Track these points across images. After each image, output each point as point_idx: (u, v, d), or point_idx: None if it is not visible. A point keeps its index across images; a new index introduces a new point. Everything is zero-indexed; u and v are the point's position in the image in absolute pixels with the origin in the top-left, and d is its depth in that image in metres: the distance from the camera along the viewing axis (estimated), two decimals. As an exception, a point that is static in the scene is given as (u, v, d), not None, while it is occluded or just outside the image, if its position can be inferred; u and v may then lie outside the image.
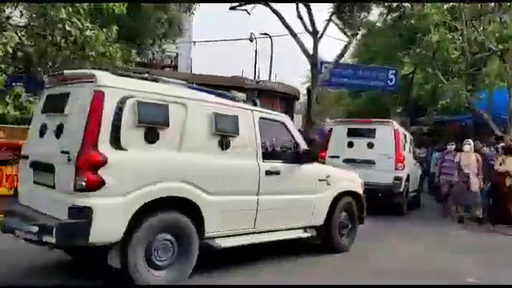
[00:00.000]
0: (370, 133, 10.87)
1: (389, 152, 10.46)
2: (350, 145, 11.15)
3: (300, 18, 18.35)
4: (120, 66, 12.13)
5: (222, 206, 5.37)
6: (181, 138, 5.10)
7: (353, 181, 7.50)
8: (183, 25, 21.09)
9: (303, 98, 27.16)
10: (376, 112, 28.49)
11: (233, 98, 6.03)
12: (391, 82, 23.45)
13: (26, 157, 5.35)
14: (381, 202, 10.07)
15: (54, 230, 4.28)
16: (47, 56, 9.83)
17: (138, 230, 4.67)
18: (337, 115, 42.96)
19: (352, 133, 11.23)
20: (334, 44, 37.62)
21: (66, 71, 5.26)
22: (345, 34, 19.64)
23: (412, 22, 15.69)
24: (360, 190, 7.46)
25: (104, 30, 10.31)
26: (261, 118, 6.07)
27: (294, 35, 18.46)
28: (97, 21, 10.53)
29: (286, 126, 6.57)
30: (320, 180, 6.71)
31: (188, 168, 5.12)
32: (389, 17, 22.08)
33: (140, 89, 4.93)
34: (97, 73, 4.85)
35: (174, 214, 5.00)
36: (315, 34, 18.48)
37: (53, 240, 4.33)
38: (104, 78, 4.75)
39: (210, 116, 5.40)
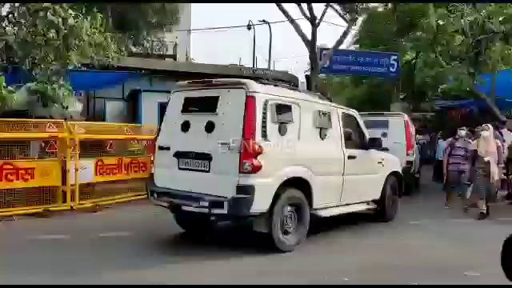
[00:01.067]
0: (384, 124, 11.83)
1: (401, 140, 11.57)
2: None
3: (298, 3, 17.97)
4: (112, 56, 11.80)
5: (322, 184, 6.71)
6: (298, 130, 6.52)
7: (396, 163, 9.13)
8: (178, 13, 20.65)
9: (303, 86, 26.75)
10: (378, 99, 28.11)
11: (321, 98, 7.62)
12: (393, 68, 22.98)
13: (166, 148, 6.55)
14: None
15: (226, 203, 5.66)
16: (29, 45, 9.48)
17: (277, 203, 6.02)
18: (340, 103, 42.62)
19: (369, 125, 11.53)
20: (335, 32, 37.01)
21: (215, 79, 6.57)
22: (344, 19, 19.23)
23: (412, 4, 15.19)
24: (400, 170, 9.14)
25: (88, 18, 9.94)
26: (342, 113, 7.67)
27: (291, 21, 18.07)
28: (82, 10, 10.15)
29: (356, 119, 8.18)
30: (378, 162, 8.36)
31: (304, 154, 6.49)
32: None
33: (274, 93, 6.31)
34: (246, 81, 6.12)
35: (295, 190, 6.35)
36: (313, 20, 18.10)
37: (224, 211, 5.73)
38: (252, 84, 6.04)
39: (314, 113, 6.92)
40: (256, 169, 5.71)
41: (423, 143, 17.81)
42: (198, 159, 6.13)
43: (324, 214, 6.97)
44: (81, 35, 9.62)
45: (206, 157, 6.01)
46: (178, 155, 6.40)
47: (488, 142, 9.41)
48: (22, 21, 9.62)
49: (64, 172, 8.56)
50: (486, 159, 9.25)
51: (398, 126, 11.71)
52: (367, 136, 8.17)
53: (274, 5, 17.80)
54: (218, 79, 6.61)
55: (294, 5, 17.95)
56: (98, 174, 9.44)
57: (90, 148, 9.37)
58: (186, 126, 6.45)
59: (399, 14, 20.64)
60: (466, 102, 18.89)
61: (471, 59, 13.86)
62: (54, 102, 9.98)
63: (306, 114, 6.71)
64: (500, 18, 12.77)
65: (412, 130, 12.43)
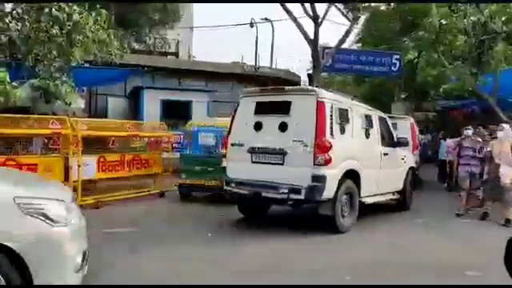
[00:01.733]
0: (393, 126, 12.29)
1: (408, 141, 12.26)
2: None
3: (301, 3, 17.96)
4: (115, 53, 11.80)
5: (367, 175, 7.97)
6: (352, 130, 7.82)
7: (412, 160, 10.64)
8: (180, 11, 20.63)
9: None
10: (380, 98, 28.05)
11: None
12: (395, 67, 22.91)
13: (239, 144, 7.74)
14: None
15: (303, 190, 6.96)
16: (33, 42, 9.48)
17: (339, 191, 7.26)
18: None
19: None
20: (338, 31, 36.93)
21: (287, 87, 8.15)
22: (346, 18, 19.21)
23: (414, 4, 15.15)
24: (415, 166, 10.67)
25: (93, 14, 9.94)
26: (378, 116, 9.07)
27: (294, 19, 18.05)
28: (86, 6, 10.15)
29: (386, 122, 9.57)
30: (401, 158, 9.80)
31: (356, 150, 7.82)
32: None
33: (336, 99, 7.71)
34: (317, 89, 7.66)
35: (349, 181, 7.55)
36: (316, 19, 18.09)
37: (301, 197, 7.01)
38: (322, 92, 7.54)
39: (361, 116, 8.30)
40: (327, 162, 6.99)
41: (424, 143, 17.83)
42: (273, 154, 7.37)
43: (368, 201, 8.28)
44: (85, 31, 9.61)
45: (281, 152, 7.26)
46: (252, 151, 7.60)
47: (502, 143, 9.09)
48: (26, 17, 9.61)
49: (67, 168, 8.59)
50: (496, 161, 9.00)
51: (405, 128, 12.89)
52: (395, 136, 9.63)
53: (277, 3, 17.81)
54: (290, 87, 8.36)
55: (297, 4, 17.96)
56: (100, 170, 9.47)
57: (93, 145, 9.39)
58: (258, 126, 7.69)
59: (402, 13, 20.55)
60: (468, 101, 18.87)
61: (474, 59, 13.84)
62: (56, 98, 9.99)
63: (357, 117, 8.08)
64: (503, 18, 12.74)
65: (417, 131, 13.51)
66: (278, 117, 7.47)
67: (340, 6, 18.86)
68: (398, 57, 22.76)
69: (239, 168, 7.73)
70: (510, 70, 14.48)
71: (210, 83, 18.81)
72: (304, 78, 24.37)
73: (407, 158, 10.26)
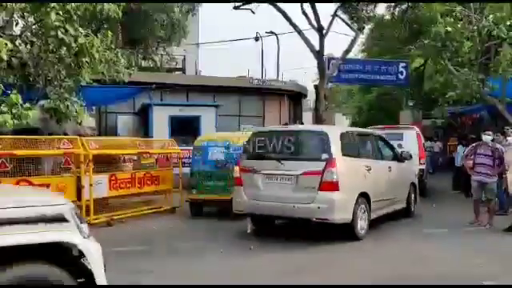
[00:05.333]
0: (399, 136, 13.27)
1: (414, 151, 12.54)
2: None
3: (305, 14, 18.11)
4: (122, 71, 11.93)
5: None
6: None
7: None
8: (186, 26, 20.84)
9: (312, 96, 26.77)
10: (388, 106, 28.05)
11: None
12: (402, 75, 22.94)
13: None
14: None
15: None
16: (42, 63, 9.63)
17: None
18: (349, 111, 42.54)
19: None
20: (342, 41, 37.09)
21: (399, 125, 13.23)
22: (351, 28, 19.32)
23: (419, 12, 15.17)
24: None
25: (98, 35, 10.07)
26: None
27: (298, 32, 18.20)
28: (92, 26, 10.30)
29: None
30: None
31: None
32: (396, 9, 21.68)
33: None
34: (412, 127, 13.14)
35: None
36: (321, 30, 18.21)
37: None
38: (414, 128, 13.07)
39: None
40: None
41: (435, 152, 17.63)
42: None
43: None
44: (92, 53, 9.74)
45: None
46: None
47: (509, 149, 8.82)
48: (35, 39, 9.76)
49: (79, 188, 8.67)
50: (506, 168, 8.76)
51: (411, 138, 13.30)
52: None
53: (282, 18, 17.97)
54: (401, 125, 12.52)
55: (301, 15, 18.10)
56: (111, 188, 9.54)
57: (104, 163, 9.47)
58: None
59: (407, 22, 20.63)
60: (476, 107, 18.75)
61: (481, 65, 13.79)
62: (67, 117, 10.10)
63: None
64: (508, 23, 12.68)
65: (422, 139, 14.11)
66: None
67: (345, 16, 19.01)
68: (404, 65, 22.81)
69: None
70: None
71: (217, 98, 18.92)
72: (310, 89, 24.41)
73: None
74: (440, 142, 22.24)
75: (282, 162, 7.70)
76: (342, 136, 8.03)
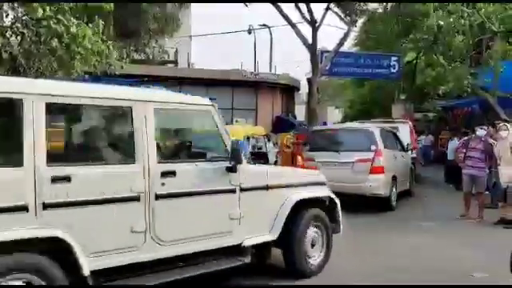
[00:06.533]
0: (395, 129, 14.02)
1: (408, 142, 13.80)
2: None
3: (298, 7, 18.04)
4: (114, 63, 11.83)
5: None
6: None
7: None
8: (179, 19, 20.73)
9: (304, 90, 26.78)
10: (380, 99, 28.11)
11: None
12: (394, 68, 22.99)
13: None
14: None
15: None
16: (34, 54, 9.53)
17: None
18: (342, 104, 42.64)
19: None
20: (335, 34, 37.02)
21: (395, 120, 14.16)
22: (344, 22, 19.28)
23: (412, 5, 15.19)
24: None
25: (90, 25, 9.97)
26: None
27: (291, 25, 18.14)
28: (83, 19, 10.20)
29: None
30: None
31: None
32: (389, 3, 21.65)
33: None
34: (406, 121, 15.13)
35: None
36: (313, 23, 18.16)
37: None
38: (407, 122, 14.92)
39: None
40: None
41: (426, 146, 17.87)
42: None
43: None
44: (84, 43, 9.65)
45: None
46: None
47: (503, 143, 8.78)
48: (26, 31, 9.65)
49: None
50: (498, 161, 8.81)
51: (405, 131, 14.56)
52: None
53: (274, 10, 17.90)
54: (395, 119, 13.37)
55: (294, 8, 18.03)
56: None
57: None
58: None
59: (399, 16, 20.64)
60: (467, 101, 18.81)
61: (473, 59, 13.89)
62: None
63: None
64: (499, 16, 12.76)
65: (414, 133, 15.77)
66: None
67: (337, 9, 18.96)
68: (396, 59, 22.84)
69: None
70: (510, 62, 14.04)
71: (210, 90, 18.87)
72: (303, 82, 24.41)
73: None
74: (431, 135, 22.37)
75: (340, 152, 9.83)
76: (381, 132, 10.27)
